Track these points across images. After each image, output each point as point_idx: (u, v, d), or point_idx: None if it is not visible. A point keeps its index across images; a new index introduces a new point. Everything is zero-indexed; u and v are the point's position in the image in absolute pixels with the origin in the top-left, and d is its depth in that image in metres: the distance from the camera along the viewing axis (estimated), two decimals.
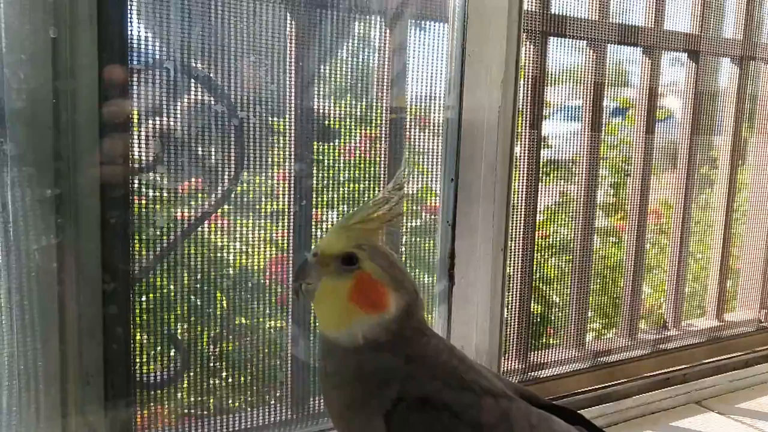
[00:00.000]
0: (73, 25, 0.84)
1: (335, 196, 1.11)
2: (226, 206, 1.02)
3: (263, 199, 1.06)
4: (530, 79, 1.29)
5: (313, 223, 1.09)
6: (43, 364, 0.87)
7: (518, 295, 1.34)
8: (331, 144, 1.11)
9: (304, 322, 1.10)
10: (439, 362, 0.73)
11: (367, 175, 1.14)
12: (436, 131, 1.18)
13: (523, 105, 1.27)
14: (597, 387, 1.45)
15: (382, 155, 1.13)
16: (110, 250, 0.90)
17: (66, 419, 0.90)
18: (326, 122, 1.09)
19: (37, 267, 0.85)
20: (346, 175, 1.13)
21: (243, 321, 1.07)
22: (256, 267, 1.06)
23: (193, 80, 0.97)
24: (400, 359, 0.71)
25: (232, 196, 1.02)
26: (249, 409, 1.08)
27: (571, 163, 1.50)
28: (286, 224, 1.07)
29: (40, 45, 0.82)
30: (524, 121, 1.28)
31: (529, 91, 1.28)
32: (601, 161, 1.49)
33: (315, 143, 1.08)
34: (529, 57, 1.28)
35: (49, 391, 0.88)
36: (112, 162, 0.89)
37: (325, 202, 1.10)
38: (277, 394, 1.10)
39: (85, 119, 0.87)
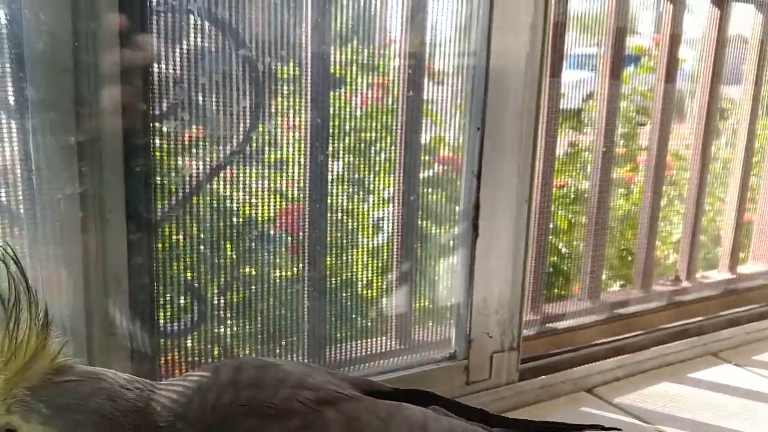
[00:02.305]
0: None
1: (341, 145, 1.09)
2: (244, 160, 1.00)
3: (277, 148, 1.03)
4: (553, 26, 1.25)
5: (330, 172, 1.07)
6: (69, 315, 0.86)
7: (536, 246, 1.33)
8: (341, 92, 1.08)
9: (318, 270, 1.08)
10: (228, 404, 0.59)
11: (379, 125, 1.11)
12: (457, 79, 1.14)
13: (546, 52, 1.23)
14: (613, 339, 1.45)
15: (397, 104, 1.10)
16: (133, 198, 0.88)
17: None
18: (334, 69, 1.06)
19: (62, 216, 0.83)
20: (352, 124, 1.09)
21: (252, 271, 1.05)
22: (267, 217, 1.04)
23: (213, 24, 0.93)
24: None
25: (250, 145, 1.00)
26: (267, 356, 1.07)
27: (585, 112, 1.48)
28: (299, 174, 1.05)
29: None
30: (545, 69, 1.25)
31: (551, 38, 1.25)
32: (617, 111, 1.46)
33: (331, 92, 1.05)
34: (554, 1, 1.24)
35: (75, 342, 0.87)
36: (133, 108, 0.87)
37: (334, 153, 1.07)
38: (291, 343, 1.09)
39: (105, 63, 0.83)
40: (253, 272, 1.05)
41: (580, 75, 1.46)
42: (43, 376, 0.57)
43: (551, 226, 1.39)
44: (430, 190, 1.19)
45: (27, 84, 0.80)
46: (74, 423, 0.56)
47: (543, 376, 1.30)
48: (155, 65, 0.89)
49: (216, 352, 1.03)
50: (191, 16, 0.91)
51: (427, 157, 1.16)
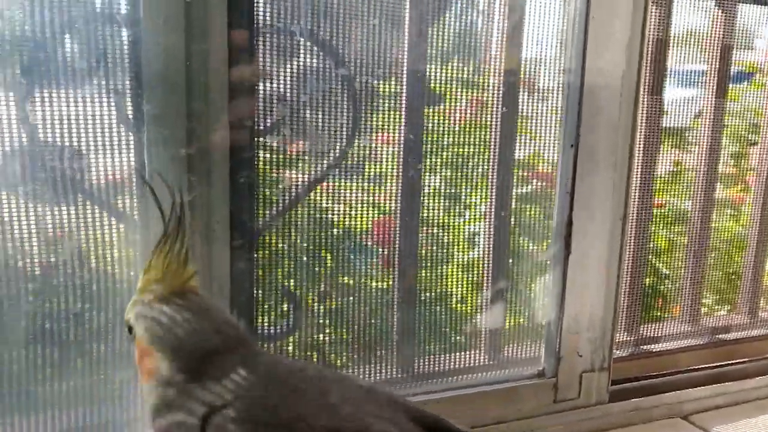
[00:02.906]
0: None
1: (438, 160, 1.11)
2: (342, 173, 1.04)
3: (373, 162, 1.07)
4: (653, 43, 1.24)
5: (424, 187, 1.10)
6: None
7: (631, 265, 1.30)
8: (437, 107, 1.10)
9: (408, 282, 1.10)
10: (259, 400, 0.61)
11: (475, 140, 1.12)
12: (551, 95, 1.15)
13: (645, 69, 1.22)
14: (714, 365, 1.40)
15: (493, 120, 1.12)
16: (238, 208, 0.93)
17: None
18: (433, 86, 1.09)
19: None
20: (451, 139, 1.12)
21: (348, 280, 1.09)
22: (362, 228, 1.07)
23: (315, 44, 0.98)
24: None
25: (348, 159, 1.04)
26: (358, 365, 1.10)
27: (689, 131, 1.44)
28: (392, 188, 1.08)
29: (175, 8, 0.85)
30: (645, 86, 1.24)
31: (652, 55, 1.23)
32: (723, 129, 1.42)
33: (425, 108, 1.08)
34: (654, 19, 1.23)
35: None
36: (240, 123, 0.92)
37: (429, 167, 1.10)
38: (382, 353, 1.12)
39: (215, 81, 0.89)
40: (349, 282, 1.08)
41: (685, 92, 1.43)
42: (169, 294, 0.65)
43: (650, 245, 1.36)
44: (524, 206, 1.19)
45: (144, 100, 0.86)
46: (165, 329, 0.64)
47: (635, 399, 1.27)
48: (261, 83, 0.94)
49: (306, 356, 1.08)
50: (295, 37, 0.96)
51: (521, 173, 1.17)
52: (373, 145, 1.06)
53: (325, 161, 1.02)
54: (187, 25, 0.86)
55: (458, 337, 1.18)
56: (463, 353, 1.17)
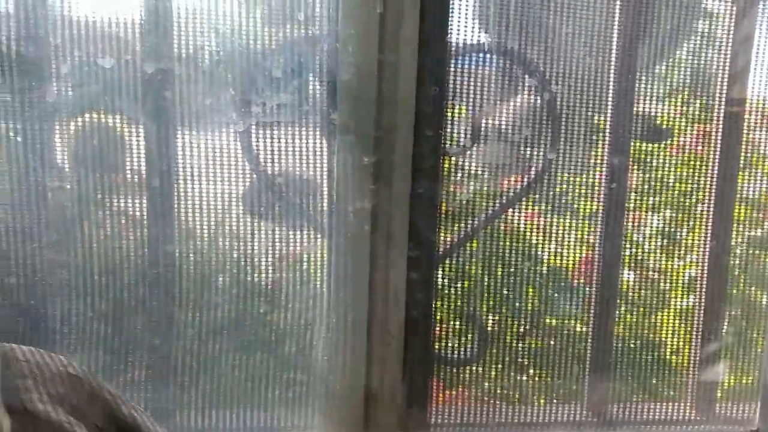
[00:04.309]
0: (399, 1, 0.89)
1: (659, 198, 1.02)
2: (537, 199, 1.00)
3: (575, 197, 1.01)
4: None
5: (630, 226, 1.02)
6: (352, 319, 0.94)
7: None
8: (657, 143, 1.02)
9: (605, 326, 1.02)
10: None
11: (697, 174, 1.02)
12: None
13: None
14: None
15: (714, 154, 1.01)
16: (417, 218, 0.94)
17: (369, 375, 0.95)
18: (652, 119, 1.01)
19: (352, 228, 0.92)
20: (671, 176, 1.03)
21: (547, 319, 1.03)
22: (562, 265, 1.02)
23: (510, 62, 0.96)
24: None
25: (543, 188, 1.00)
26: (546, 404, 1.04)
27: None
28: (596, 225, 1.01)
29: (369, 20, 0.89)
30: None
31: None
32: None
33: (635, 142, 1.01)
34: None
35: (355, 345, 0.94)
36: (424, 134, 0.93)
37: (645, 205, 1.02)
38: (572, 395, 1.04)
39: (403, 92, 0.91)
40: (538, 313, 1.03)
41: None
42: None
43: None
44: (749, 249, 1.05)
45: (335, 110, 0.91)
46: None
47: None
48: (449, 96, 0.95)
49: (488, 388, 1.03)
50: (487, 55, 0.95)
51: (748, 212, 1.04)
52: (575, 173, 1.01)
53: (517, 185, 0.99)
54: (380, 38, 0.90)
55: (661, 386, 1.06)
56: (666, 404, 1.06)
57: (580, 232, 1.03)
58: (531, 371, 1.04)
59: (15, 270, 0.86)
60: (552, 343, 1.04)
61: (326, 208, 0.93)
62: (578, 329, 1.05)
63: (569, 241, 1.03)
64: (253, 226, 0.93)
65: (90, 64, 0.83)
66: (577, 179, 1.01)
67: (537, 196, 1.01)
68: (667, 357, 1.07)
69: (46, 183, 0.85)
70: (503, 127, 0.98)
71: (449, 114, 0.95)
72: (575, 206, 1.02)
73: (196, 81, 0.87)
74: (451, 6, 0.92)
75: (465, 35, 0.94)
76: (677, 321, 1.07)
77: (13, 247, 0.86)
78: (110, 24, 0.83)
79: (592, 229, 1.02)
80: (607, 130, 1.00)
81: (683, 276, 1.06)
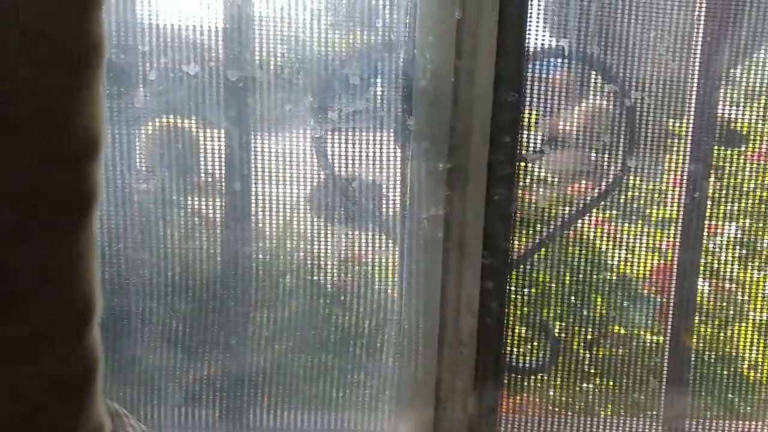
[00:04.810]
0: (477, 7, 0.88)
1: (736, 206, 0.99)
2: (608, 205, 0.98)
3: (649, 204, 0.99)
4: None
5: (706, 234, 0.99)
6: (424, 327, 0.94)
7: None
8: (737, 149, 0.99)
9: (685, 337, 0.99)
10: None
11: None
12: None
13: None
14: None
15: None
16: (491, 226, 0.93)
17: (439, 384, 0.95)
18: (732, 125, 0.98)
19: (425, 234, 0.92)
20: (751, 183, 0.99)
21: (618, 329, 1.01)
22: (637, 274, 1.00)
23: (589, 69, 0.95)
24: None
25: (617, 196, 0.98)
26: (619, 418, 1.02)
27: None
28: (672, 233, 0.99)
29: (446, 26, 0.88)
30: None
31: None
32: None
33: (716, 148, 0.97)
34: None
35: (426, 354, 0.94)
36: (500, 141, 0.92)
37: (722, 214, 0.98)
38: (649, 410, 1.02)
39: (480, 98, 0.91)
40: (617, 329, 1.01)
41: None
42: None
43: None
44: None
45: (410, 115, 0.91)
46: None
47: None
48: (526, 102, 0.94)
49: (558, 398, 1.02)
50: (566, 61, 0.94)
51: None
52: (652, 181, 0.98)
53: (594, 191, 0.97)
54: (457, 43, 0.89)
55: (738, 402, 1.02)
56: (744, 422, 1.02)
57: (652, 241, 1.00)
58: (600, 381, 1.02)
59: (103, 269, 0.89)
60: (622, 352, 1.02)
61: (399, 214, 0.93)
62: (653, 339, 1.02)
63: (641, 250, 1.00)
64: (326, 229, 0.94)
65: (176, 70, 0.85)
66: (651, 186, 0.99)
67: (610, 202, 0.99)
68: (745, 372, 1.04)
69: (132, 185, 0.88)
70: (580, 133, 0.96)
71: (526, 120, 0.94)
72: (648, 213, 1.00)
73: (276, 88, 0.88)
74: (529, 11, 0.91)
75: (543, 40, 0.93)
76: (755, 335, 1.03)
77: (102, 247, 0.89)
78: (194, 31, 0.86)
79: (666, 238, 1.00)
80: (689, 137, 0.97)
81: (762, 288, 1.03)
